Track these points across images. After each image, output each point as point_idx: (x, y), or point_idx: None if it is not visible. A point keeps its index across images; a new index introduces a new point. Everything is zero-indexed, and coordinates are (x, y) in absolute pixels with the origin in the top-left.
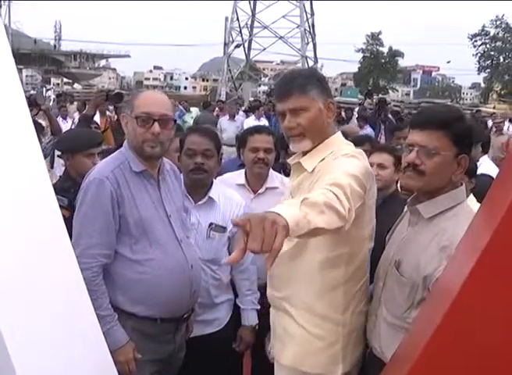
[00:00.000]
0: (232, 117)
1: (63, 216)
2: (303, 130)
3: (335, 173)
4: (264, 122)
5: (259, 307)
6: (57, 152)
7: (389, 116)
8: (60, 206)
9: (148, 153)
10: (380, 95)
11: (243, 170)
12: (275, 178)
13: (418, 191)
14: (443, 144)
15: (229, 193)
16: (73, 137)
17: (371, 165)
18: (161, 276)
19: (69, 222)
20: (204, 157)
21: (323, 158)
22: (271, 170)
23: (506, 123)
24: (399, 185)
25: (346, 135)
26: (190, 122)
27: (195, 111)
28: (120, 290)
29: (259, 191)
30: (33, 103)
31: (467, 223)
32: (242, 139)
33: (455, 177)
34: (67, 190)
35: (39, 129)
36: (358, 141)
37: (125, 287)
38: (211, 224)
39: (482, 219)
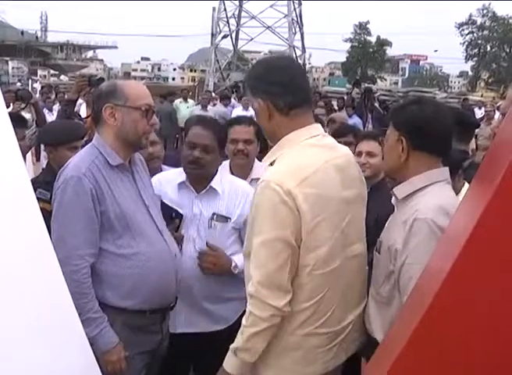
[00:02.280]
0: (204, 107)
1: (45, 209)
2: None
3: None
4: (252, 112)
5: None
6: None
7: (376, 104)
8: (43, 200)
9: (144, 145)
10: (366, 84)
11: (227, 162)
12: (260, 169)
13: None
14: (390, 131)
15: (238, 183)
16: (56, 129)
17: (360, 153)
18: (149, 269)
19: (51, 216)
20: (204, 151)
21: (274, 160)
22: (256, 161)
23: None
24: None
25: (333, 121)
26: (185, 112)
27: (191, 102)
28: (108, 286)
29: None
30: (19, 99)
31: (434, 198)
32: (224, 131)
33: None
34: (49, 183)
35: (22, 123)
36: (341, 132)
37: (113, 283)
38: (213, 214)
39: (468, 204)
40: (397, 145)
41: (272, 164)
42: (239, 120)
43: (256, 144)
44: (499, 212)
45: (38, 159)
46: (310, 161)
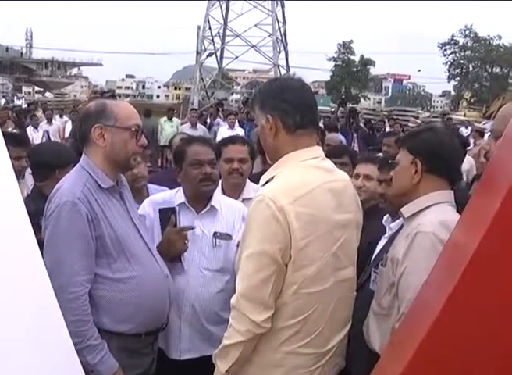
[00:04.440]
0: (194, 125)
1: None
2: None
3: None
4: (238, 130)
5: None
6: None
7: (361, 124)
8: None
9: (133, 166)
10: (351, 105)
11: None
12: (251, 189)
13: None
14: (402, 155)
15: (228, 200)
16: (59, 151)
17: (358, 176)
18: (145, 292)
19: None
20: (211, 167)
21: (273, 177)
22: (248, 181)
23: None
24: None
25: (328, 144)
26: (169, 131)
27: (176, 121)
28: (104, 311)
29: None
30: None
31: (437, 215)
32: (216, 150)
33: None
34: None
35: (20, 142)
36: (337, 153)
37: (109, 307)
38: (215, 233)
39: (473, 217)
40: (410, 168)
41: (269, 181)
42: (233, 139)
43: (250, 163)
44: (506, 225)
45: (23, 177)
46: (306, 181)
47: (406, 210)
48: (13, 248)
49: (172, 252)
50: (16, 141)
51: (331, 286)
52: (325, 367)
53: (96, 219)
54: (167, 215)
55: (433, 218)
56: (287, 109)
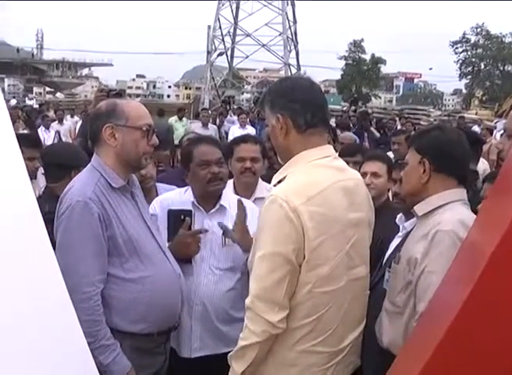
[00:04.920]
0: (205, 125)
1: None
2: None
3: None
4: (249, 130)
5: None
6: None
7: (372, 129)
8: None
9: (144, 165)
10: (362, 107)
11: (231, 180)
12: (263, 188)
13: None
14: (410, 155)
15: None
16: (73, 152)
17: (365, 174)
18: (157, 292)
19: None
20: (218, 166)
21: (284, 177)
22: (260, 180)
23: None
24: (391, 193)
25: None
26: (181, 130)
27: (185, 120)
28: (116, 311)
29: None
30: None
31: (454, 213)
32: (228, 149)
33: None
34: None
35: (34, 143)
36: (350, 152)
37: (122, 308)
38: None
39: (491, 215)
40: (419, 168)
41: (281, 181)
42: (245, 138)
43: (262, 162)
44: None
45: (35, 177)
46: (318, 180)
47: (419, 209)
48: (28, 248)
49: (185, 255)
50: (30, 142)
51: (344, 285)
52: (339, 366)
53: (108, 219)
54: (178, 217)
55: (451, 216)
56: (297, 109)
